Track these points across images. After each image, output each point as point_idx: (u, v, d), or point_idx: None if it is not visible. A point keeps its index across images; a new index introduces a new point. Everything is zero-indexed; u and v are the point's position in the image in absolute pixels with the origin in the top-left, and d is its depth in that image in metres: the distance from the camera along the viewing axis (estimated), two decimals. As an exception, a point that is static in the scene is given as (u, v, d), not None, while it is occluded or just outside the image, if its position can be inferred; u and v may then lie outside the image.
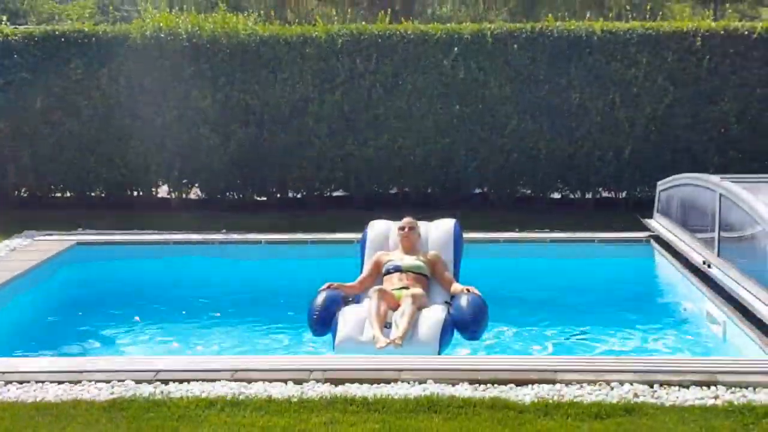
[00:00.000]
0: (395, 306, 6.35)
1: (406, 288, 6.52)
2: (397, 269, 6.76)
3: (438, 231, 7.33)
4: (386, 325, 6.16)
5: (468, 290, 6.56)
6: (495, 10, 22.99)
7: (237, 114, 11.48)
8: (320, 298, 6.52)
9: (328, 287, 6.66)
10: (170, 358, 5.84)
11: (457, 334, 6.34)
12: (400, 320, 6.11)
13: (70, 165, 11.77)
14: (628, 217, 9.89)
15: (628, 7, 18.40)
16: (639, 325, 7.30)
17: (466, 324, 6.29)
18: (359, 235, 7.68)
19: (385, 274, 6.83)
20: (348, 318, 6.27)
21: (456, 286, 6.74)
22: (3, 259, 8.38)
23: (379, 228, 7.46)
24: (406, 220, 7.17)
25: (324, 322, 6.38)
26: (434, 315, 6.26)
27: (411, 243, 7.02)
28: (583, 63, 11.14)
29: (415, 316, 6.18)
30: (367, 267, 7.05)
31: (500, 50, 11.20)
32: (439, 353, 5.99)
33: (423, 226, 7.29)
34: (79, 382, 5.05)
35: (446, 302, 6.62)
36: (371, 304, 6.28)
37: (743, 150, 11.27)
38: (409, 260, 6.84)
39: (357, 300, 6.75)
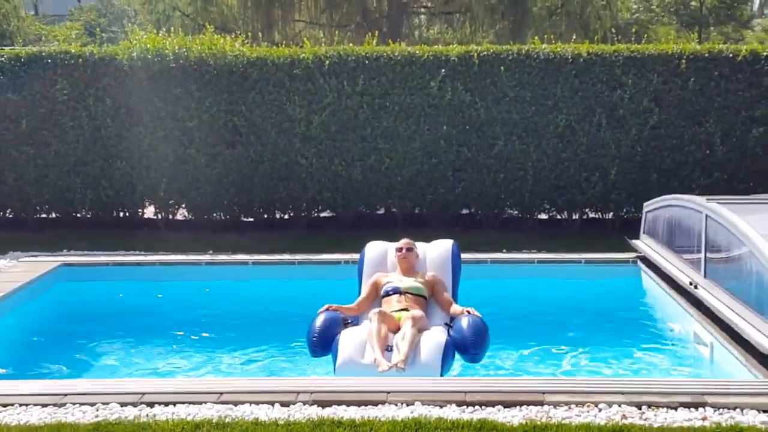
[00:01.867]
0: (395, 328, 6.26)
1: (406, 310, 6.43)
2: (396, 291, 6.67)
3: (435, 252, 7.23)
4: (387, 348, 6.07)
5: (468, 312, 6.47)
6: (482, 32, 23.12)
7: (224, 135, 11.48)
8: (319, 320, 6.42)
9: (327, 309, 6.58)
10: (156, 381, 5.80)
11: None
12: (401, 343, 6.02)
13: (56, 186, 11.71)
14: (615, 238, 9.91)
15: (613, 30, 18.61)
16: (626, 346, 7.29)
17: (467, 346, 6.17)
18: (347, 256, 7.64)
19: (383, 296, 6.74)
20: (349, 340, 6.17)
21: (456, 308, 6.66)
22: (-13, 281, 8.32)
23: (377, 249, 7.34)
24: (404, 241, 7.10)
25: (324, 343, 6.28)
26: (435, 337, 6.16)
27: (409, 264, 6.96)
28: (569, 85, 11.21)
29: (416, 338, 6.10)
30: (366, 288, 6.95)
31: (487, 72, 11.27)
32: (441, 376, 5.91)
33: (420, 246, 7.21)
34: (64, 404, 5.00)
35: (446, 324, 6.53)
36: (372, 327, 6.18)
37: (728, 171, 11.35)
38: (408, 281, 6.75)
39: (355, 322, 6.66)
